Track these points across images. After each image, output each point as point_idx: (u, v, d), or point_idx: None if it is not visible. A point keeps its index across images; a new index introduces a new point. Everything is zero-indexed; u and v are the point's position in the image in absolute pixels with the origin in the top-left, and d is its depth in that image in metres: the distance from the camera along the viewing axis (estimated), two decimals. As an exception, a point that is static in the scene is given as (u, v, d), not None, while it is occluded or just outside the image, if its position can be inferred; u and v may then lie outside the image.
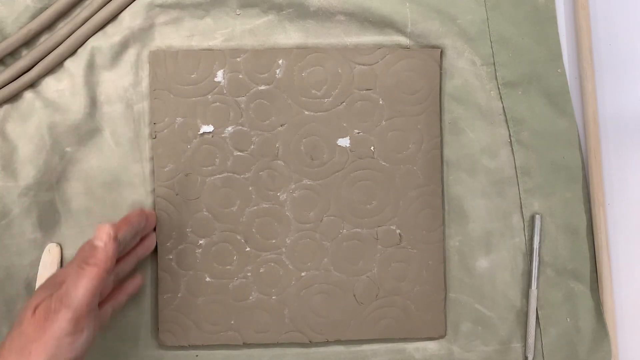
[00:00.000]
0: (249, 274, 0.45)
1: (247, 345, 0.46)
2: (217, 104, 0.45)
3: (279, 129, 0.45)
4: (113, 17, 0.46)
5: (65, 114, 0.45)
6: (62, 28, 0.45)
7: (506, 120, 0.46)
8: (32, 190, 0.45)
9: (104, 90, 0.46)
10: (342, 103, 0.45)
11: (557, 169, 0.46)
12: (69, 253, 0.46)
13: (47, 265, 0.45)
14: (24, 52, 0.46)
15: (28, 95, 0.46)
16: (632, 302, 0.47)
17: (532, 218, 0.46)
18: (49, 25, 0.46)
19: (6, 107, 0.46)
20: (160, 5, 0.46)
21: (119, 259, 0.42)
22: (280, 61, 0.45)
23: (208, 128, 0.45)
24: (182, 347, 0.46)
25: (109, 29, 0.46)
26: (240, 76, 0.45)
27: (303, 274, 0.45)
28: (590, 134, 0.46)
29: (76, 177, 0.46)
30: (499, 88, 0.46)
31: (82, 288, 0.36)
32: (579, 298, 0.46)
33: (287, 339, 0.45)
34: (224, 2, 0.46)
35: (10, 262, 0.45)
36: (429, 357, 0.46)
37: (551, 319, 0.46)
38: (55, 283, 0.38)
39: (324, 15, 0.46)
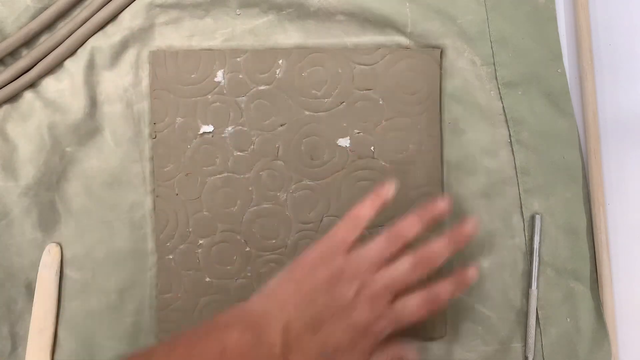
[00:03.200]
0: (249, 274, 0.45)
1: (247, 345, 0.46)
2: (217, 104, 0.45)
3: (279, 129, 0.45)
4: (113, 17, 0.46)
5: (65, 114, 0.45)
6: (62, 28, 0.45)
7: (506, 120, 0.46)
8: (32, 190, 0.45)
9: (104, 90, 0.46)
10: (342, 103, 0.45)
11: (557, 169, 0.46)
12: (69, 253, 0.46)
13: (47, 265, 0.45)
14: (24, 52, 0.46)
15: (28, 95, 0.46)
16: (632, 302, 0.47)
17: (532, 218, 0.46)
18: (49, 25, 0.46)
19: (6, 107, 0.46)
20: (160, 5, 0.46)
21: None
22: (280, 61, 0.45)
23: (208, 128, 0.45)
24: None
25: (109, 29, 0.46)
26: (240, 76, 0.45)
27: (303, 274, 0.45)
28: (590, 134, 0.46)
29: (76, 177, 0.46)
30: (499, 88, 0.46)
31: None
32: (579, 298, 0.46)
33: (287, 339, 0.45)
34: (224, 2, 0.46)
35: (10, 262, 0.45)
36: (429, 357, 0.46)
37: (551, 319, 0.46)
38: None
39: (324, 15, 0.46)
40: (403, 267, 0.38)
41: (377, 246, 0.39)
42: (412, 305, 0.38)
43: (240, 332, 0.35)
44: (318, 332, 0.36)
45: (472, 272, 0.39)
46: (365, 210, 0.40)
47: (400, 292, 0.38)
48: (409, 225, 0.39)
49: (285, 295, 0.37)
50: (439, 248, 0.39)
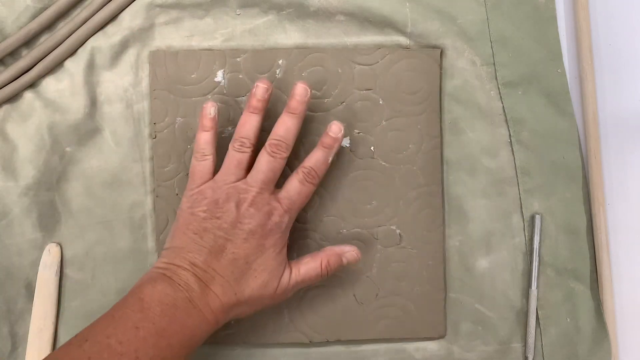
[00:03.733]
0: (249, 274, 0.45)
1: (247, 345, 0.46)
2: (217, 104, 0.45)
3: (279, 129, 0.45)
4: (113, 17, 0.46)
5: (65, 114, 0.45)
6: (62, 28, 0.45)
7: (506, 120, 0.46)
8: (32, 190, 0.45)
9: (104, 90, 0.46)
10: (342, 103, 0.45)
11: (557, 169, 0.46)
12: (69, 253, 0.46)
13: (47, 265, 0.45)
14: (24, 52, 0.46)
15: (28, 95, 0.46)
16: (632, 302, 0.47)
17: (532, 218, 0.46)
18: (49, 25, 0.46)
19: (6, 107, 0.46)
20: (160, 5, 0.46)
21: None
22: (280, 61, 0.45)
23: (208, 128, 0.45)
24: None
25: (109, 29, 0.46)
26: (240, 76, 0.45)
27: (303, 274, 0.45)
28: (590, 134, 0.46)
29: (76, 177, 0.46)
30: (499, 88, 0.46)
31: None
32: (579, 298, 0.46)
33: (287, 339, 0.45)
34: (224, 2, 0.46)
35: (10, 262, 0.45)
36: (429, 357, 0.46)
37: (551, 319, 0.46)
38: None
39: (324, 15, 0.46)
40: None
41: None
42: (294, 182, 0.41)
43: (152, 285, 0.38)
44: (223, 254, 0.39)
45: (335, 127, 0.42)
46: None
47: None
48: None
49: (179, 242, 0.40)
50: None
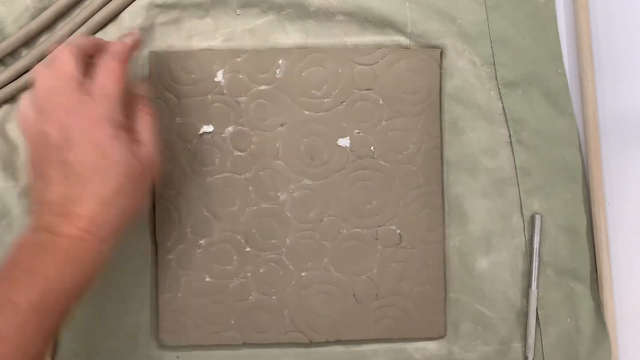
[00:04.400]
0: (249, 274, 0.45)
1: (247, 345, 0.46)
2: (217, 104, 0.45)
3: (279, 129, 0.45)
4: (113, 17, 0.46)
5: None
6: (62, 28, 0.45)
7: (506, 120, 0.46)
8: (32, 190, 0.45)
9: (104, 90, 0.46)
10: (342, 103, 0.45)
11: (557, 169, 0.46)
12: (69, 253, 0.46)
13: (47, 265, 0.45)
14: (24, 52, 0.46)
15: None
16: (632, 302, 0.47)
17: (532, 218, 0.46)
18: (49, 25, 0.46)
19: (6, 107, 0.46)
20: (160, 5, 0.46)
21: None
22: (280, 61, 0.45)
23: (208, 128, 0.45)
24: (182, 347, 0.46)
25: (109, 29, 0.46)
26: (240, 76, 0.45)
27: (303, 274, 0.45)
28: (590, 134, 0.46)
29: (76, 177, 0.46)
30: (499, 88, 0.46)
31: None
32: (579, 298, 0.46)
33: (287, 339, 0.45)
34: (224, 2, 0.46)
35: (10, 262, 0.45)
36: (429, 357, 0.46)
37: (551, 319, 0.46)
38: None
39: (324, 15, 0.46)
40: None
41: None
42: (102, 70, 0.38)
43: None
44: (72, 149, 0.36)
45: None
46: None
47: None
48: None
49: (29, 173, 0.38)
50: (115, 45, 0.39)
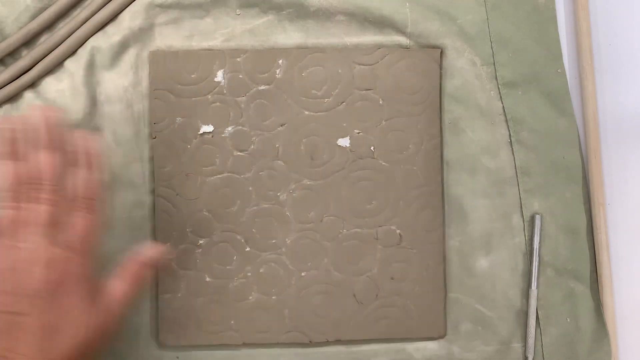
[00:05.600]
0: (249, 274, 0.45)
1: (247, 345, 0.46)
2: (217, 104, 0.45)
3: (279, 129, 0.45)
4: (113, 17, 0.46)
5: (65, 114, 0.45)
6: (62, 28, 0.45)
7: (506, 120, 0.46)
8: (32, 190, 0.45)
9: (104, 90, 0.46)
10: (342, 103, 0.45)
11: (557, 169, 0.46)
12: (69, 253, 0.46)
13: (47, 265, 0.45)
14: (24, 52, 0.46)
15: (28, 95, 0.46)
16: (632, 302, 0.47)
17: (532, 218, 0.46)
18: (49, 25, 0.46)
19: (6, 107, 0.46)
20: (160, 5, 0.46)
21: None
22: (280, 61, 0.45)
23: (208, 128, 0.45)
24: (182, 347, 0.46)
25: (109, 29, 0.46)
26: (240, 76, 0.45)
27: (303, 274, 0.45)
28: (590, 134, 0.46)
29: (76, 177, 0.46)
30: (499, 88, 0.46)
31: None
32: (579, 298, 0.46)
33: (287, 339, 0.45)
34: (224, 2, 0.46)
35: (10, 262, 0.45)
36: (429, 357, 0.46)
37: (551, 319, 0.46)
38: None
39: (324, 15, 0.46)
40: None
41: None
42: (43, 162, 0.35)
43: None
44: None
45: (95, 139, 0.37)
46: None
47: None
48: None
49: None
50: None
